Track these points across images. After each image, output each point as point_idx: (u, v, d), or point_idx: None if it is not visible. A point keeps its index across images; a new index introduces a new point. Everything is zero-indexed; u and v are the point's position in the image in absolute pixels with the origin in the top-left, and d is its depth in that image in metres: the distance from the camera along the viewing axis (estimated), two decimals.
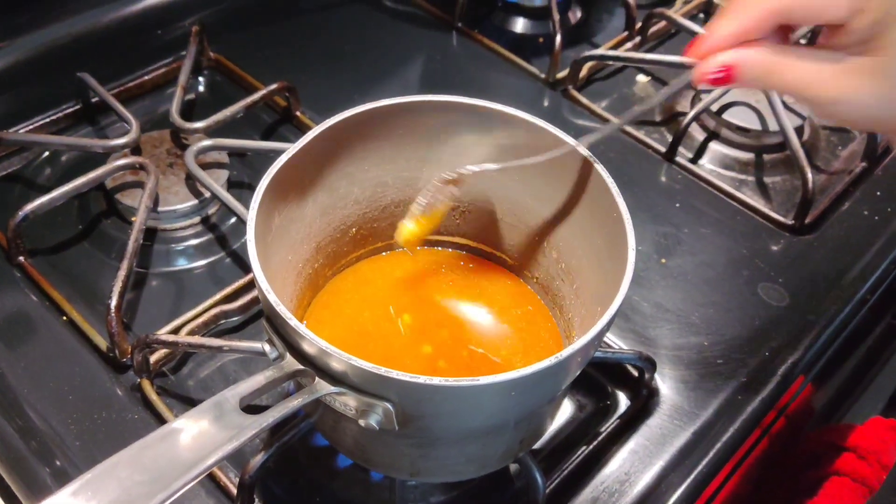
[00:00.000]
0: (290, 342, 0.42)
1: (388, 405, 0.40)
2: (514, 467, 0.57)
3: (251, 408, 0.40)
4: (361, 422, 0.41)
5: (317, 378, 0.41)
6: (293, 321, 0.40)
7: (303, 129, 0.78)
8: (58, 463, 0.54)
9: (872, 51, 0.40)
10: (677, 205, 0.75)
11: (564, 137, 0.50)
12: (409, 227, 0.52)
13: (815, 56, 0.41)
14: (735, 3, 0.41)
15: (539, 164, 0.52)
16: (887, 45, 0.39)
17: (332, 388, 0.40)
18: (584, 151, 0.49)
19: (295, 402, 0.39)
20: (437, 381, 0.38)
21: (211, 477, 0.55)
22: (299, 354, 0.42)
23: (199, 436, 0.36)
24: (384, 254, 0.59)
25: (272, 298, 0.41)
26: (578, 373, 0.46)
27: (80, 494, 0.32)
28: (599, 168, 0.49)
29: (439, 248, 0.60)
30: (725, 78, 0.41)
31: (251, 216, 0.44)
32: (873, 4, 0.39)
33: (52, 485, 0.53)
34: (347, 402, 0.41)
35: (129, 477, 0.33)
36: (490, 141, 0.53)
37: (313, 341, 0.40)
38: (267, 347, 0.43)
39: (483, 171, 0.52)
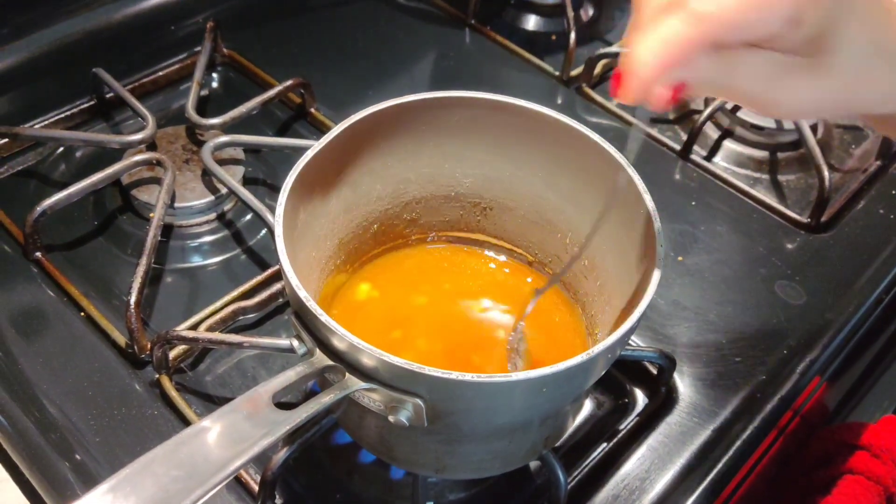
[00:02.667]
0: (319, 338, 0.42)
1: (419, 401, 0.40)
2: (534, 464, 0.57)
3: (280, 405, 0.40)
4: (391, 418, 0.41)
5: (347, 374, 0.41)
6: (324, 316, 0.40)
7: (317, 126, 0.78)
8: (78, 457, 0.54)
9: (813, 53, 0.38)
10: (693, 203, 0.75)
11: (596, 138, 0.50)
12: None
13: (759, 59, 0.38)
14: (654, 33, 0.35)
15: (563, 161, 0.52)
16: (829, 49, 0.38)
17: (363, 384, 0.40)
18: (618, 156, 0.49)
19: (326, 399, 0.39)
20: (469, 377, 0.38)
21: None
22: (329, 350, 0.41)
23: (234, 432, 0.35)
24: (404, 250, 0.59)
25: (302, 294, 0.41)
26: (605, 371, 0.46)
27: (117, 491, 0.32)
28: (625, 164, 0.49)
29: (459, 245, 0.60)
30: (674, 100, 0.37)
31: (279, 213, 0.44)
32: (810, 17, 0.36)
33: (73, 479, 0.53)
34: (377, 398, 0.41)
35: (165, 473, 0.33)
36: (515, 138, 0.53)
37: (344, 336, 0.39)
38: (295, 343, 0.43)
39: (509, 172, 0.52)
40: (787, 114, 0.40)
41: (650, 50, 0.35)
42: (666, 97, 0.36)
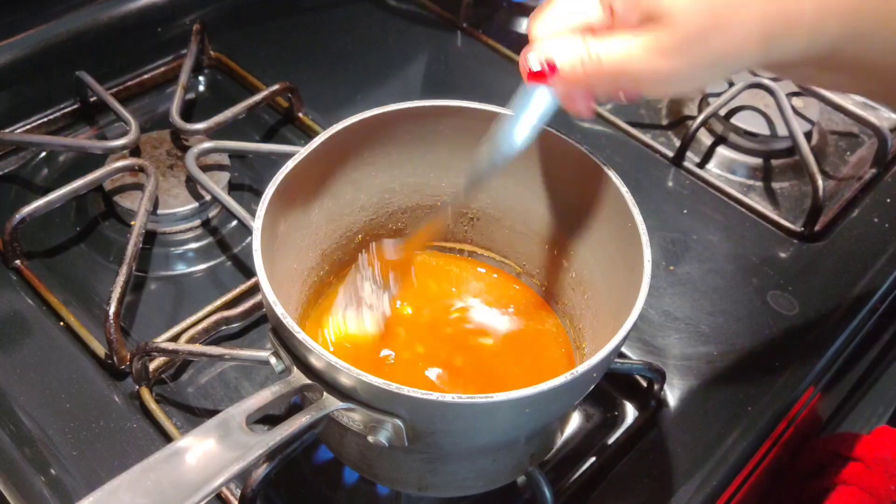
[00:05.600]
0: (297, 355, 0.41)
1: (399, 421, 0.39)
2: (521, 479, 0.56)
3: (262, 419, 0.38)
4: (370, 438, 0.40)
5: (325, 393, 0.40)
6: (301, 334, 0.39)
7: (305, 131, 0.77)
8: (53, 472, 0.53)
9: (652, 27, 0.39)
10: (685, 211, 0.73)
11: (583, 149, 0.49)
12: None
13: (618, 40, 0.40)
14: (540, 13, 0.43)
15: (551, 172, 0.51)
16: (661, 18, 0.38)
17: (341, 404, 0.39)
18: (605, 167, 0.48)
19: (303, 420, 0.38)
20: (449, 398, 0.37)
21: None
22: (307, 368, 0.40)
23: (204, 456, 0.34)
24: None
25: (279, 311, 0.40)
26: (592, 388, 0.45)
27: None
28: (613, 176, 0.48)
29: (446, 254, 0.59)
30: (549, 66, 0.41)
31: (257, 225, 0.43)
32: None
33: (48, 494, 0.52)
34: (356, 417, 0.40)
35: (131, 501, 0.32)
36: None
37: (321, 355, 0.38)
38: (273, 360, 0.42)
39: (493, 178, 0.51)
40: (653, 91, 0.41)
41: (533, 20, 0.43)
42: (528, 69, 0.42)
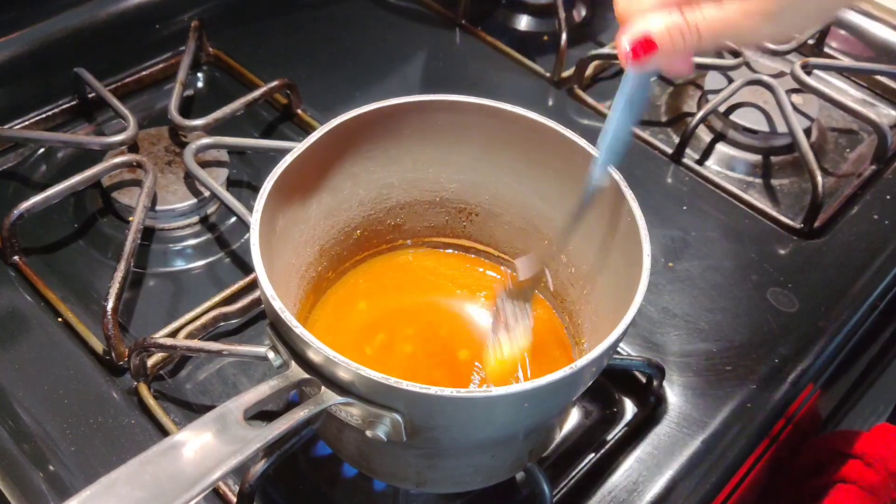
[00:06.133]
0: (295, 350, 0.41)
1: (397, 416, 0.39)
2: (519, 475, 0.56)
3: (259, 414, 0.38)
4: (369, 433, 0.40)
5: (323, 388, 0.39)
6: (299, 328, 0.39)
7: (303, 127, 0.77)
8: (51, 468, 0.53)
9: None
10: (684, 207, 0.73)
11: (582, 143, 0.49)
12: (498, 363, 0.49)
13: (715, 8, 0.40)
14: None
15: (551, 167, 0.51)
16: None
17: (339, 399, 0.39)
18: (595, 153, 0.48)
19: (301, 414, 0.38)
20: (447, 392, 0.37)
21: None
22: (305, 363, 0.40)
23: (202, 450, 0.34)
24: (388, 256, 0.58)
25: (277, 305, 0.40)
26: (590, 383, 0.45)
27: None
28: (612, 171, 0.48)
29: (446, 251, 0.59)
30: (646, 46, 0.41)
31: (255, 220, 0.43)
32: None
33: (46, 490, 0.52)
34: (355, 412, 0.40)
35: (128, 494, 0.32)
36: (502, 143, 0.52)
37: (320, 350, 0.38)
38: (271, 355, 0.42)
39: (496, 178, 0.51)
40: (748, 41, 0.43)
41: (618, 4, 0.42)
42: (627, 53, 0.41)
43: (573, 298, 0.53)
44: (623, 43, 0.41)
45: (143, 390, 0.56)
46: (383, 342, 0.53)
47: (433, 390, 0.37)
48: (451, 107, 0.51)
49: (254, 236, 0.42)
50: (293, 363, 0.40)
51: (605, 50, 0.84)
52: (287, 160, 0.46)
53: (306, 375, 0.40)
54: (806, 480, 0.72)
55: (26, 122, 0.73)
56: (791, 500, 0.72)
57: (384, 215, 0.56)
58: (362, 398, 0.39)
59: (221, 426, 0.35)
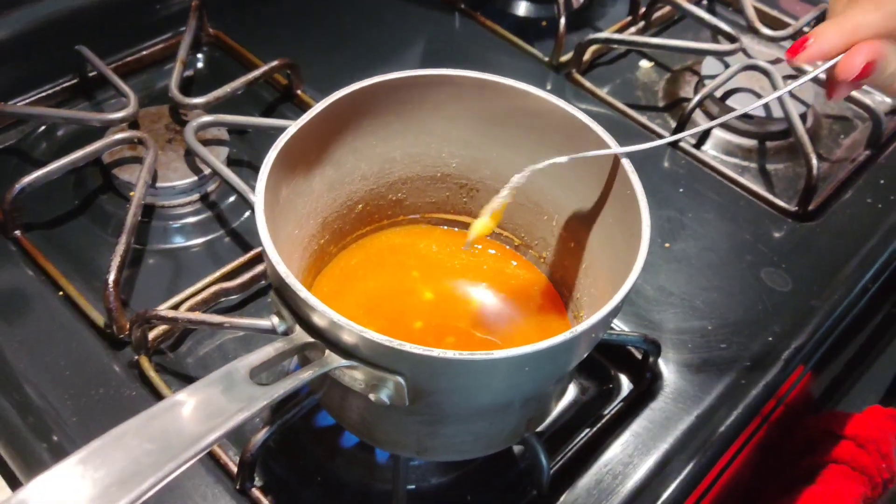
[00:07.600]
0: (299, 314, 0.41)
1: (400, 379, 0.40)
2: (517, 448, 0.57)
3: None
4: (372, 396, 0.41)
5: (327, 351, 0.40)
6: (304, 292, 0.39)
7: (304, 108, 0.77)
8: (55, 438, 0.53)
9: None
10: (681, 189, 0.74)
11: (584, 119, 0.50)
12: (485, 223, 0.51)
13: None
14: (844, 19, 0.45)
15: (550, 142, 0.52)
16: None
17: (343, 362, 0.40)
18: (606, 137, 0.49)
19: (305, 375, 0.38)
20: (451, 354, 0.38)
21: (211, 455, 0.54)
22: (309, 327, 0.41)
23: (209, 406, 0.35)
24: (390, 231, 0.58)
25: (282, 269, 0.40)
26: (588, 352, 0.45)
27: (87, 463, 0.32)
28: (612, 143, 0.48)
29: (445, 227, 0.59)
30: (865, 72, 0.44)
31: (259, 187, 0.43)
32: None
33: (49, 460, 0.52)
34: (358, 375, 0.41)
35: (137, 446, 0.32)
36: (502, 118, 0.52)
37: (324, 313, 0.39)
38: (275, 320, 0.43)
39: (497, 153, 0.52)
40: None
41: (838, 26, 0.45)
42: (856, 69, 0.44)
43: (571, 272, 0.54)
44: (857, 62, 0.44)
45: (145, 363, 0.57)
46: (383, 313, 0.54)
47: (436, 352, 0.38)
48: (451, 81, 0.51)
49: (258, 202, 0.43)
50: (297, 327, 0.41)
51: (604, 34, 0.85)
52: (291, 130, 0.47)
53: (311, 339, 0.41)
54: (799, 460, 0.73)
55: (28, 100, 0.73)
56: (786, 478, 0.72)
57: (386, 190, 0.56)
58: (366, 361, 0.40)
59: (228, 384, 0.36)
